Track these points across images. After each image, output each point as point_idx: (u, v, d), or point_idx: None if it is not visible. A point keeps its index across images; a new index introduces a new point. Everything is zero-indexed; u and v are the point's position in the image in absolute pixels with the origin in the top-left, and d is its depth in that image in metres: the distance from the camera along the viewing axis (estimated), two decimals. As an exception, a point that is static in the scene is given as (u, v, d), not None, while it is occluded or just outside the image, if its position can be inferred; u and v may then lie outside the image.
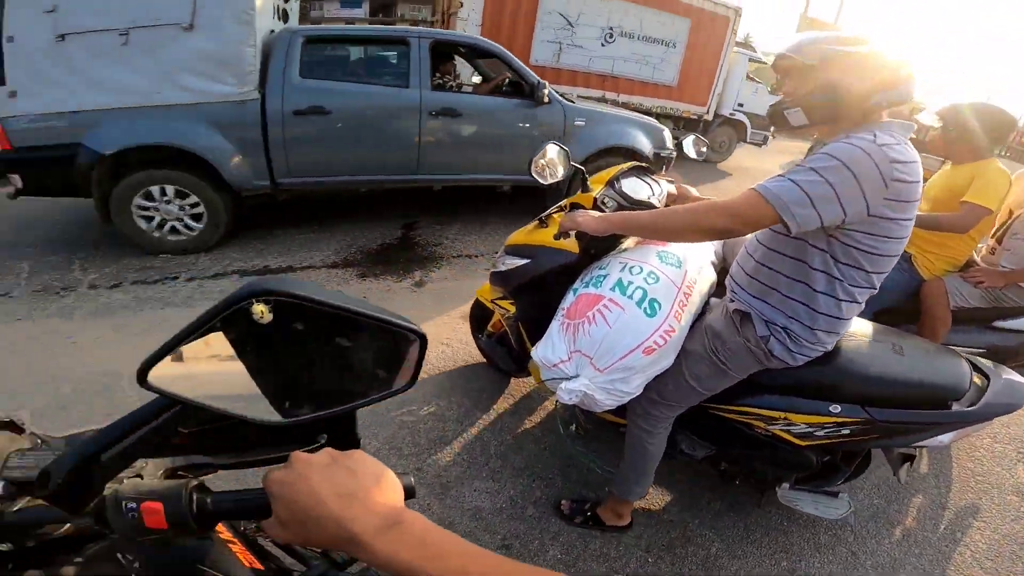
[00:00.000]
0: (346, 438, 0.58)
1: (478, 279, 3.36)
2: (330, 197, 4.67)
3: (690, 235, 1.25)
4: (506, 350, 2.24)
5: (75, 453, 0.45)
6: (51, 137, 3.28)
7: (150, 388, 0.43)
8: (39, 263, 3.66)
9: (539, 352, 1.50)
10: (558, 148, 1.66)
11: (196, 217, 3.56)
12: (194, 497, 0.45)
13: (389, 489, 0.43)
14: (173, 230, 3.58)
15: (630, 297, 1.42)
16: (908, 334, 1.64)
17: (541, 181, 1.64)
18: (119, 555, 0.52)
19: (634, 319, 1.39)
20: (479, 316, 2.43)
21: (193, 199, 3.49)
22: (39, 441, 0.57)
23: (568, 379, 1.44)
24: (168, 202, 3.47)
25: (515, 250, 1.76)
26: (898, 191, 1.11)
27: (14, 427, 0.57)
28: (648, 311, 1.40)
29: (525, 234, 1.78)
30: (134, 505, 0.44)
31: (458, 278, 3.56)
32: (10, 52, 3.20)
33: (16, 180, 3.39)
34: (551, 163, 1.66)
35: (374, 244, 3.99)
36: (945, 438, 1.44)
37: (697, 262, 1.61)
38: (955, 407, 1.40)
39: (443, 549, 0.38)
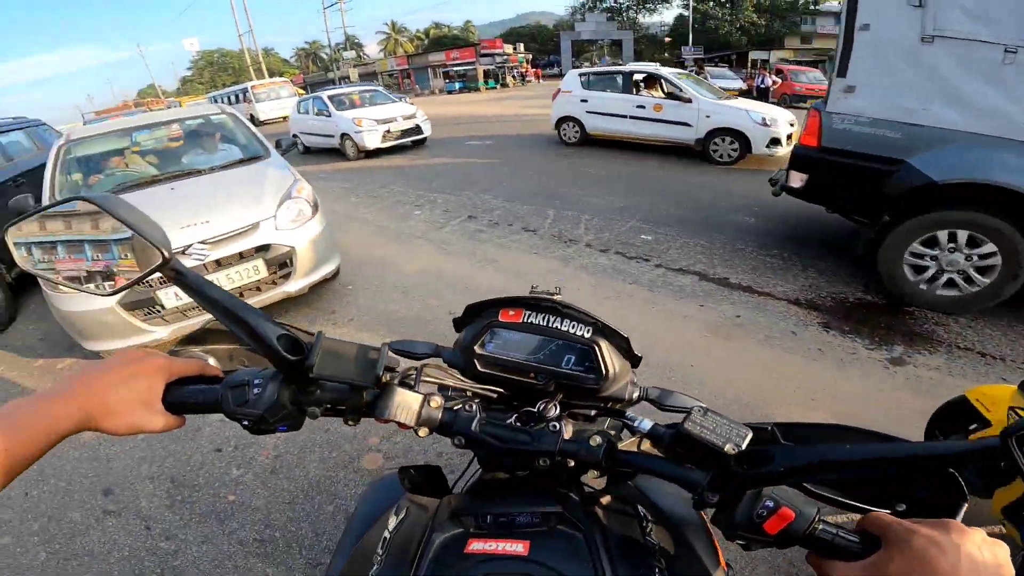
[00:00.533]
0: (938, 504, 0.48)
1: (980, 382, 2.50)
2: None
3: None
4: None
5: None
6: (871, 146, 2.92)
7: None
8: (560, 214, 4.98)
9: None
10: None
11: (982, 270, 2.88)
12: (817, 524, 0.44)
13: None
14: (949, 283, 2.94)
15: None
16: None
17: None
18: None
19: None
20: (947, 418, 1.85)
21: (987, 247, 2.81)
22: None
23: None
24: (953, 250, 2.85)
25: None
26: None
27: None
28: None
29: None
30: (772, 505, 0.45)
31: (954, 374, 2.73)
32: (861, 43, 2.87)
33: (795, 178, 3.34)
34: None
35: (852, 295, 3.41)
36: None
37: None
38: None
39: None
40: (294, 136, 10.38)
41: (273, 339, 0.51)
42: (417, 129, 9.80)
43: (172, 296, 2.60)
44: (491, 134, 11.21)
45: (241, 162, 3.69)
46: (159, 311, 2.63)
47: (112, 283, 0.58)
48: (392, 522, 0.60)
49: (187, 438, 2.38)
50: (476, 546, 0.52)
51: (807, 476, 0.47)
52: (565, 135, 8.93)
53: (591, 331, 0.60)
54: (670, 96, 7.51)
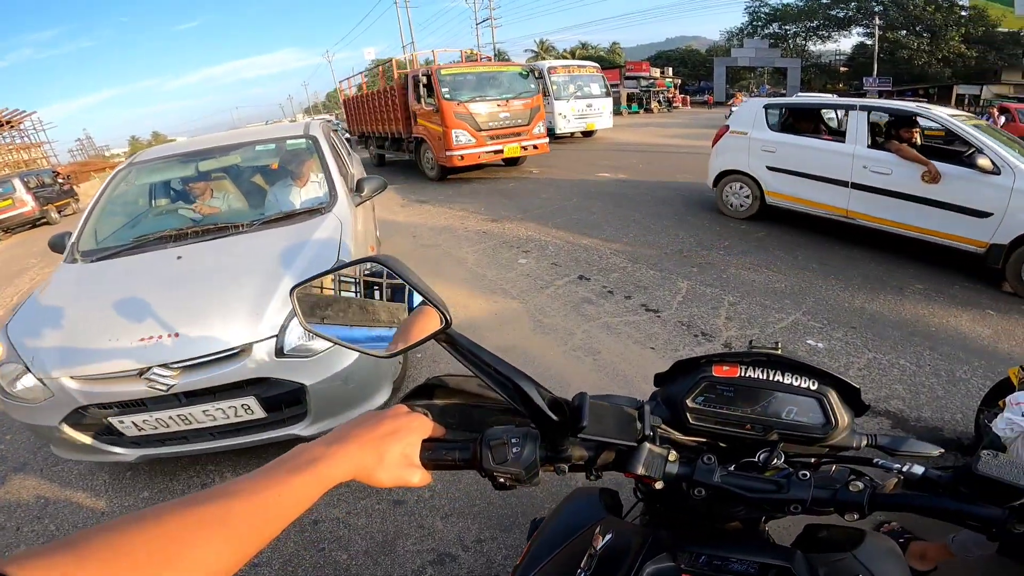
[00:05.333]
0: None
1: None
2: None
3: None
4: None
5: None
6: None
7: None
8: (696, 290, 3.86)
9: (1016, 395, 1.68)
10: None
11: None
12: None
13: None
14: None
15: None
16: None
17: None
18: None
19: None
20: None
21: None
22: None
23: None
24: None
25: None
26: None
27: None
28: None
29: None
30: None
31: None
32: None
33: None
34: None
35: None
36: None
37: None
38: None
39: None
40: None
41: (543, 402, 0.54)
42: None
43: (131, 426, 1.99)
44: (625, 166, 10.20)
45: (289, 217, 2.74)
46: (118, 437, 2.06)
47: (392, 346, 0.59)
48: (599, 541, 0.62)
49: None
50: None
51: None
52: (728, 201, 5.73)
53: (818, 382, 0.62)
54: (945, 156, 4.21)
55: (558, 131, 14.10)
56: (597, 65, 16.09)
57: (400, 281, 0.56)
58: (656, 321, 3.54)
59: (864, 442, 0.64)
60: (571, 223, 6.00)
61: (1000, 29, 30.00)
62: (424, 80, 8.67)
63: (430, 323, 0.55)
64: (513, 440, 0.55)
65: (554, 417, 0.54)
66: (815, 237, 5.06)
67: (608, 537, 0.61)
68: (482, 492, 2.13)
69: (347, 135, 15.68)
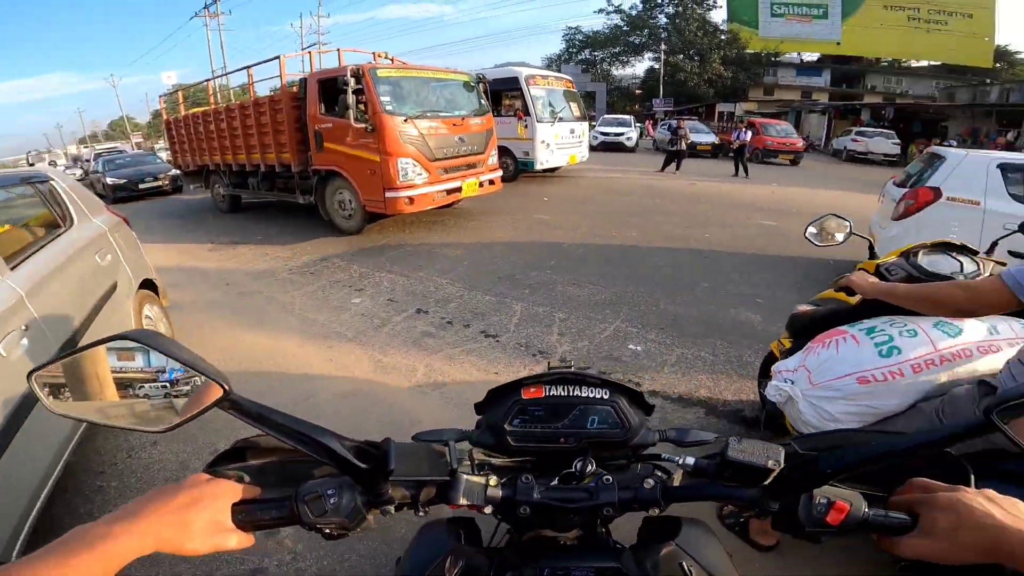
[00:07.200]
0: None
1: None
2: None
3: (931, 309, 1.41)
4: None
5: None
6: None
7: None
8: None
9: (778, 364, 1.84)
10: (838, 219, 1.96)
11: None
12: (868, 510, 0.54)
13: None
14: None
15: (871, 337, 1.60)
16: None
17: (815, 244, 2.01)
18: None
19: (863, 353, 1.57)
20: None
21: None
22: None
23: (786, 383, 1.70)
24: None
25: (812, 301, 2.10)
26: None
27: None
28: (883, 352, 1.55)
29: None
30: (826, 501, 0.54)
31: None
32: None
33: None
34: (829, 231, 1.98)
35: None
36: None
37: (987, 340, 1.56)
38: None
39: None
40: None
41: (347, 451, 0.56)
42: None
43: None
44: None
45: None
46: None
47: (167, 422, 0.56)
48: (451, 572, 0.62)
49: None
50: None
51: (850, 472, 0.54)
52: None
53: (608, 392, 0.68)
54: None
55: (539, 165, 10.29)
56: (571, 79, 12.37)
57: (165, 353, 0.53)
58: (496, 346, 3.59)
59: (657, 438, 0.70)
60: (402, 255, 5.83)
61: (748, 51, 34.65)
62: (351, 83, 5.69)
63: (208, 393, 0.53)
64: (329, 491, 0.56)
65: (361, 465, 0.56)
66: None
67: (460, 565, 0.63)
68: (351, 545, 1.94)
69: (173, 170, 12.00)
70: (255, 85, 7.78)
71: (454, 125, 6.61)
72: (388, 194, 5.97)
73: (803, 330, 2.00)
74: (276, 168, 7.17)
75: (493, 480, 0.63)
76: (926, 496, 0.52)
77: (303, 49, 36.86)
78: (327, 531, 0.57)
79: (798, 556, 1.83)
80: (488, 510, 0.63)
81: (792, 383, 1.74)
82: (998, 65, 33.00)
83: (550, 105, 10.44)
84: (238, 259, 6.17)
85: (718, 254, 5.78)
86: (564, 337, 3.69)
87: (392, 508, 0.60)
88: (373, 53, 7.70)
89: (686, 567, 0.62)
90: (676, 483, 0.65)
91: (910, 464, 0.58)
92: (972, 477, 0.57)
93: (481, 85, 7.48)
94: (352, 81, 5.71)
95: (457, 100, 7.09)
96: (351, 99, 5.76)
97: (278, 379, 3.20)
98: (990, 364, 1.54)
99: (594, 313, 4.08)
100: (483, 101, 7.43)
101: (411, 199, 6.05)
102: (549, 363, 0.79)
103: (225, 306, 4.55)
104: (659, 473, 0.65)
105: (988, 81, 26.72)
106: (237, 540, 0.55)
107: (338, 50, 7.28)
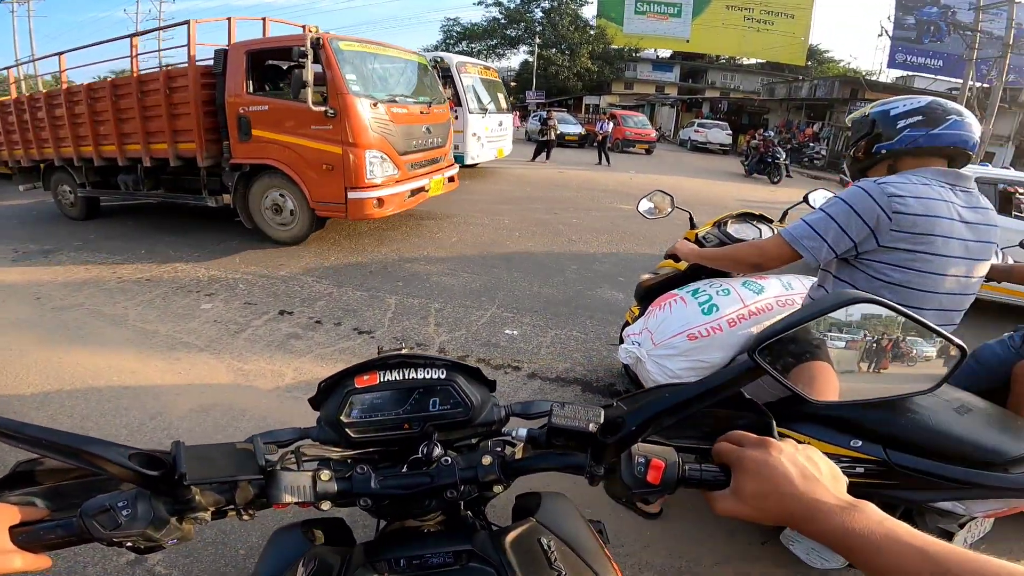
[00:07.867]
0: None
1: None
2: None
3: (733, 266, 1.80)
4: None
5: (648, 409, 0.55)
6: None
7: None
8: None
9: (627, 329, 2.12)
10: (663, 194, 2.21)
11: None
12: (680, 464, 0.55)
13: (841, 479, 0.51)
14: None
15: (695, 298, 1.88)
16: (991, 404, 1.38)
17: (647, 217, 2.25)
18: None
19: (690, 312, 1.84)
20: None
21: None
22: None
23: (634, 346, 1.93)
24: None
25: (653, 271, 2.40)
26: (905, 223, 1.29)
27: None
28: (705, 311, 1.81)
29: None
30: (644, 460, 0.55)
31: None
32: None
33: None
34: (658, 205, 2.22)
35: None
36: (981, 506, 1.22)
37: (783, 295, 1.90)
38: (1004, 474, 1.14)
39: (899, 533, 0.43)
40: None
41: (125, 459, 0.51)
42: None
43: None
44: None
45: None
46: None
47: None
48: (301, 573, 0.60)
49: None
50: None
51: (653, 426, 0.54)
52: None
53: (445, 371, 0.67)
54: None
55: (468, 160, 9.35)
56: (496, 69, 11.66)
57: None
58: (372, 342, 3.47)
59: (505, 414, 0.69)
60: (264, 256, 5.25)
61: (613, 46, 36.84)
62: (308, 55, 4.47)
63: None
64: (119, 504, 0.52)
65: (148, 472, 0.52)
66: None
67: (311, 567, 0.61)
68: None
69: None
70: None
71: (422, 113, 5.69)
72: (351, 195, 4.81)
73: (647, 296, 2.21)
74: (170, 162, 5.48)
75: (326, 475, 0.60)
76: (738, 451, 0.53)
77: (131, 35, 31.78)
78: (130, 544, 0.53)
79: (685, 521, 1.95)
80: (326, 506, 0.60)
81: (639, 344, 1.93)
82: (809, 63, 38.94)
83: (478, 96, 9.65)
84: (59, 273, 5.16)
85: (584, 238, 6.16)
86: (441, 327, 3.68)
87: (206, 515, 0.56)
88: (303, 26, 5.79)
89: (544, 543, 0.62)
90: (518, 457, 0.65)
91: (725, 415, 0.61)
92: (773, 423, 0.59)
93: (439, 68, 6.79)
94: (308, 53, 4.49)
95: (421, 85, 6.15)
96: (309, 75, 4.50)
97: (113, 398, 2.76)
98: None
99: (470, 301, 4.12)
100: (440, 87, 6.68)
101: (380, 200, 4.95)
102: (379, 348, 0.76)
103: (37, 327, 3.80)
104: (498, 449, 0.64)
105: (800, 78, 31.50)
106: (22, 561, 0.52)
107: (263, 19, 6.20)
